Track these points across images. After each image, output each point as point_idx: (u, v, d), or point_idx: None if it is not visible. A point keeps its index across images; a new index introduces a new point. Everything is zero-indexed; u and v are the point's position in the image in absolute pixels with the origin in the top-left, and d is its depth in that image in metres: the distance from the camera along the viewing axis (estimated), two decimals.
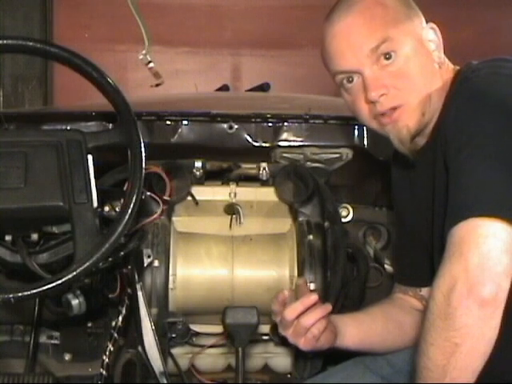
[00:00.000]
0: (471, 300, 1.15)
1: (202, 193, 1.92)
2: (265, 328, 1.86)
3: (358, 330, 1.64)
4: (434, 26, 1.45)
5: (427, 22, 1.46)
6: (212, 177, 1.96)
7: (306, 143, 1.91)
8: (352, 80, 1.42)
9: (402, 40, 1.38)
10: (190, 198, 1.91)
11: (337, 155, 1.94)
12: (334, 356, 1.94)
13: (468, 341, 1.16)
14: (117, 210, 1.72)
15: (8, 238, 1.56)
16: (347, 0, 1.43)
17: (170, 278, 1.83)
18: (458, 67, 1.47)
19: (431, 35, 1.44)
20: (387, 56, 1.38)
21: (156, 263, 1.80)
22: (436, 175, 1.44)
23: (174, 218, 1.91)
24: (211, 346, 1.92)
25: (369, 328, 1.65)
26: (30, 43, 1.44)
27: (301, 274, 1.83)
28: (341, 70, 1.43)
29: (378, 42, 1.37)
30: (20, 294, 1.35)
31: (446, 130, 1.32)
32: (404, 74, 1.39)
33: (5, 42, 1.43)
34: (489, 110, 1.26)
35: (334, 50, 1.42)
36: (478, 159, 1.23)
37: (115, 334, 1.77)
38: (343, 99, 1.49)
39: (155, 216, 1.81)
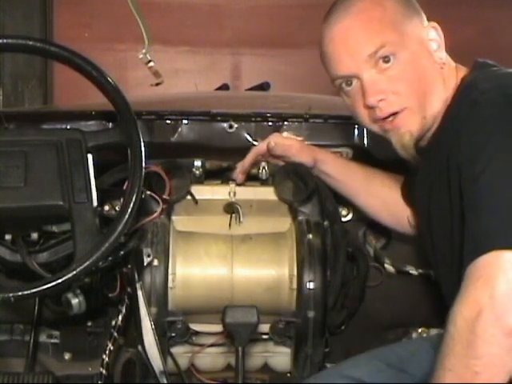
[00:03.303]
0: (498, 329, 1.11)
1: (201, 192, 1.92)
2: (264, 327, 1.86)
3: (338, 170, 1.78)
4: (436, 24, 1.43)
5: (428, 21, 1.44)
6: (212, 176, 1.96)
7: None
8: (351, 83, 1.41)
9: (400, 43, 1.36)
10: (189, 197, 1.91)
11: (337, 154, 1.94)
12: (333, 355, 1.95)
13: (489, 370, 1.13)
14: (117, 209, 1.72)
15: (8, 237, 1.56)
16: (345, 1, 1.41)
17: (170, 277, 1.83)
18: (460, 67, 1.45)
19: (432, 34, 1.42)
20: (386, 59, 1.36)
21: (155, 262, 1.80)
22: (433, 180, 1.43)
23: (173, 217, 1.91)
24: (211, 345, 1.91)
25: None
26: (30, 42, 1.44)
27: (300, 273, 1.83)
28: (339, 75, 1.42)
29: (376, 47, 1.35)
30: (20, 293, 1.35)
31: (457, 153, 1.28)
32: (403, 78, 1.36)
33: (5, 41, 1.43)
34: (504, 135, 1.22)
35: (332, 54, 1.41)
36: (499, 184, 1.19)
37: (115, 334, 1.77)
38: (344, 102, 1.48)
39: (155, 215, 1.81)
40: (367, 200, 1.81)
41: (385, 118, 1.40)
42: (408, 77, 1.37)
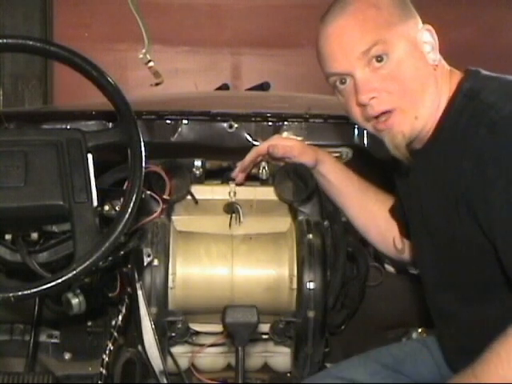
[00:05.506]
0: None
1: (201, 192, 1.92)
2: (264, 327, 1.86)
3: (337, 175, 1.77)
4: (430, 27, 1.44)
5: (425, 23, 1.45)
6: (212, 176, 1.96)
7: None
8: (345, 82, 1.42)
9: (394, 43, 1.37)
10: (189, 197, 1.91)
11: (336, 154, 1.94)
12: (333, 355, 1.95)
13: None
14: (117, 209, 1.72)
15: (8, 237, 1.56)
16: (341, 1, 1.42)
17: (170, 277, 1.83)
18: (454, 70, 1.45)
19: (426, 37, 1.42)
20: (379, 58, 1.37)
21: (156, 262, 1.80)
22: (428, 184, 1.45)
23: (173, 217, 1.91)
24: (211, 345, 1.92)
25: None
26: (30, 42, 1.44)
27: (300, 273, 1.83)
28: (333, 72, 1.43)
29: (370, 44, 1.36)
30: (20, 293, 1.35)
31: (476, 173, 1.30)
32: (396, 77, 1.38)
33: (5, 41, 1.43)
34: None
35: (327, 52, 1.42)
36: None
37: (115, 333, 1.77)
38: (338, 100, 1.49)
39: (155, 215, 1.81)
40: (359, 211, 1.80)
41: (377, 117, 1.41)
42: (401, 76, 1.38)
